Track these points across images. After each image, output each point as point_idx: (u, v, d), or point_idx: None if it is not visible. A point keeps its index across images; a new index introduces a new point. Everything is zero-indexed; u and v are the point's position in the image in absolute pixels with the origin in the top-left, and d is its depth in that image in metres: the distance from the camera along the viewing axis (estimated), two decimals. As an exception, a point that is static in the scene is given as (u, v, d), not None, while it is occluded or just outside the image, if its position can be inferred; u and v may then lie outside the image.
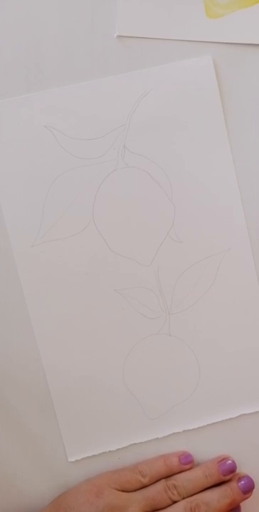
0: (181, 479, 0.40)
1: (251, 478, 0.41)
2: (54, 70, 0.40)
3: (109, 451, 0.41)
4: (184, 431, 0.42)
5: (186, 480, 0.40)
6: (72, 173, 0.40)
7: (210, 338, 0.41)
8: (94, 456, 0.41)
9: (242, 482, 0.40)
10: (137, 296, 0.41)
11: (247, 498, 0.40)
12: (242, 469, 0.42)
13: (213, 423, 0.42)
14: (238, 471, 0.41)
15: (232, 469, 0.41)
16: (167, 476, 0.40)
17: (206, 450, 0.42)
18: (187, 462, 0.41)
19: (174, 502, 0.39)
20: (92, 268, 0.41)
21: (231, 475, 0.41)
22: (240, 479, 0.41)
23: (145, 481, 0.40)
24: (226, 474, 0.40)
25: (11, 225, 0.40)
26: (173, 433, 0.41)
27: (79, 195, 0.40)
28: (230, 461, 0.41)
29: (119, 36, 0.40)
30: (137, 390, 0.41)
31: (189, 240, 0.41)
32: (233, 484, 0.40)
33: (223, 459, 0.41)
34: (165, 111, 0.41)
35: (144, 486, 0.40)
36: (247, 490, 0.40)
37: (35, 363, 0.41)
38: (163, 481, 0.40)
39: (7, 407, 0.41)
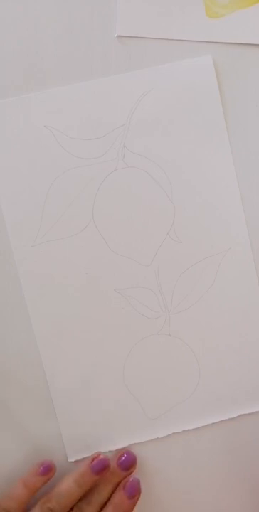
0: (54, 498, 0.38)
1: (130, 454, 0.40)
2: (54, 70, 0.40)
3: (109, 451, 0.41)
4: (184, 431, 0.42)
5: (59, 496, 0.38)
6: (72, 173, 0.40)
7: (210, 338, 0.41)
8: (94, 456, 0.41)
9: (122, 459, 0.40)
10: (137, 296, 0.41)
11: (130, 473, 0.40)
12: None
13: (213, 423, 0.42)
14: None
15: (104, 465, 0.39)
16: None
17: (206, 450, 0.42)
18: (47, 471, 0.39)
19: None
20: (92, 268, 0.41)
21: (107, 470, 0.39)
22: (120, 457, 0.40)
23: None
24: (100, 472, 0.39)
25: (11, 225, 0.40)
26: (173, 433, 0.41)
27: (79, 195, 0.40)
28: (101, 458, 0.40)
29: (119, 36, 0.40)
30: (137, 390, 0.41)
31: (189, 239, 0.41)
32: (118, 495, 0.39)
33: (93, 459, 0.40)
34: (165, 111, 0.41)
35: None
36: (128, 466, 0.40)
37: (35, 363, 0.41)
38: (37, 507, 0.38)
39: (7, 407, 0.41)
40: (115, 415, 0.41)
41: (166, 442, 0.42)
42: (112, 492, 0.40)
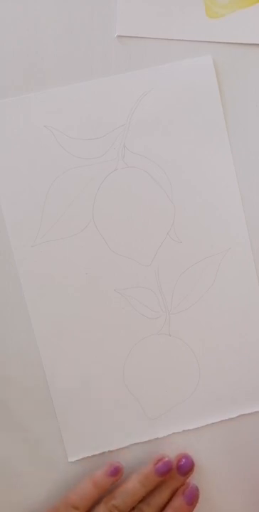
0: (119, 496, 0.39)
1: (188, 459, 0.41)
2: (54, 70, 0.40)
3: (109, 451, 0.41)
4: (184, 431, 0.42)
5: (125, 494, 0.39)
6: (72, 173, 0.40)
7: (210, 338, 0.41)
8: (94, 456, 0.41)
9: (181, 463, 0.41)
10: (137, 296, 0.41)
11: (187, 477, 0.41)
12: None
13: (213, 423, 0.42)
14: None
15: (168, 468, 0.40)
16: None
17: (206, 450, 0.42)
18: (116, 473, 0.40)
19: None
20: (92, 268, 0.41)
21: (169, 473, 0.40)
22: (179, 461, 0.41)
23: None
24: (164, 474, 0.40)
25: (11, 225, 0.40)
26: (173, 433, 0.41)
27: (79, 195, 0.40)
28: (165, 460, 0.40)
29: (119, 36, 0.40)
30: (137, 390, 0.41)
31: (189, 239, 0.41)
32: (178, 500, 0.40)
33: (159, 461, 0.40)
34: (165, 111, 0.41)
35: None
36: (187, 471, 0.41)
37: (35, 363, 0.41)
38: (102, 504, 0.39)
39: (7, 407, 0.41)
40: (115, 415, 0.41)
41: (166, 442, 0.42)
42: (171, 496, 0.40)
